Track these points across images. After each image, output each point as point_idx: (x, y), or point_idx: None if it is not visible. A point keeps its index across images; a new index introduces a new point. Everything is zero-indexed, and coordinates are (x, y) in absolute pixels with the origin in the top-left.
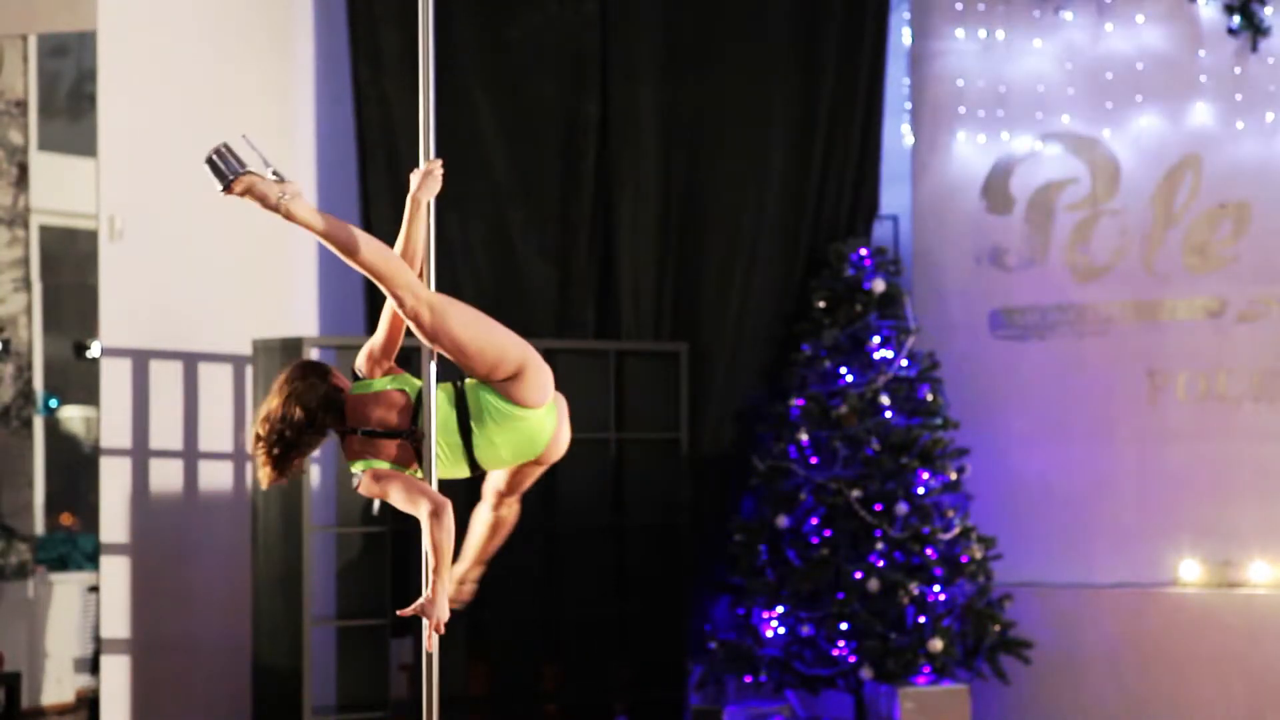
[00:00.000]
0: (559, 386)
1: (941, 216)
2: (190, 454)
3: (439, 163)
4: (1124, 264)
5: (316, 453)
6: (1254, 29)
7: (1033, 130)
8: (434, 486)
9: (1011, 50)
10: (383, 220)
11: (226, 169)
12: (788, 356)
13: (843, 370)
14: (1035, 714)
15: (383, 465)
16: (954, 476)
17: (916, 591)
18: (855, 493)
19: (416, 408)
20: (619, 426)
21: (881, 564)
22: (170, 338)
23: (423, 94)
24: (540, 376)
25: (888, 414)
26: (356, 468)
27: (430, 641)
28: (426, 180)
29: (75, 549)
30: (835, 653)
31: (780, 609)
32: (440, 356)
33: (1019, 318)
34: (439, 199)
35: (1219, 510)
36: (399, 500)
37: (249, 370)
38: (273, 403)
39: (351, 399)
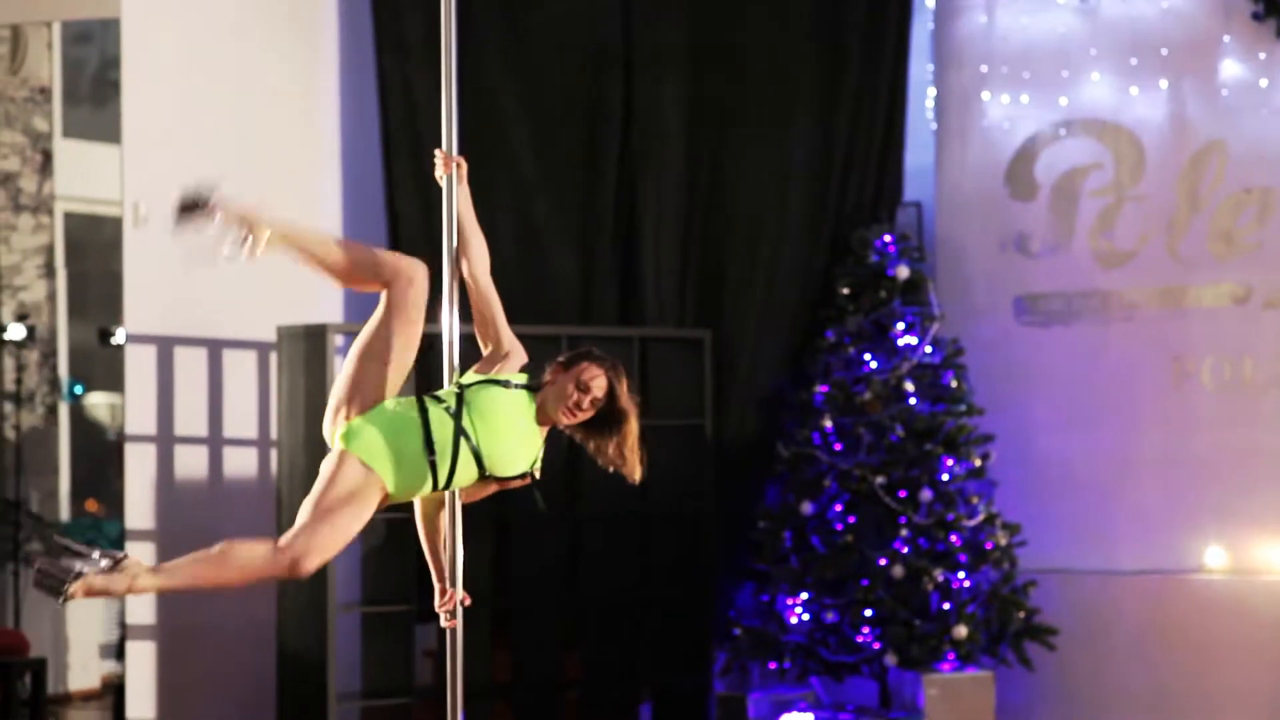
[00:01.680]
0: None
1: (965, 203)
2: (215, 440)
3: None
4: (1149, 250)
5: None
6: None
7: (1057, 116)
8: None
9: (1036, 33)
10: (408, 208)
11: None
12: (812, 343)
13: (867, 357)
14: (1060, 700)
15: None
16: (978, 463)
17: (941, 578)
18: (879, 479)
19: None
20: (642, 413)
21: (906, 550)
22: (195, 324)
23: (445, 86)
24: None
25: (912, 400)
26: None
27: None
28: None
29: (101, 535)
30: (860, 639)
31: (804, 595)
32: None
33: (1043, 304)
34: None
35: (1245, 496)
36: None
37: (273, 357)
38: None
39: None
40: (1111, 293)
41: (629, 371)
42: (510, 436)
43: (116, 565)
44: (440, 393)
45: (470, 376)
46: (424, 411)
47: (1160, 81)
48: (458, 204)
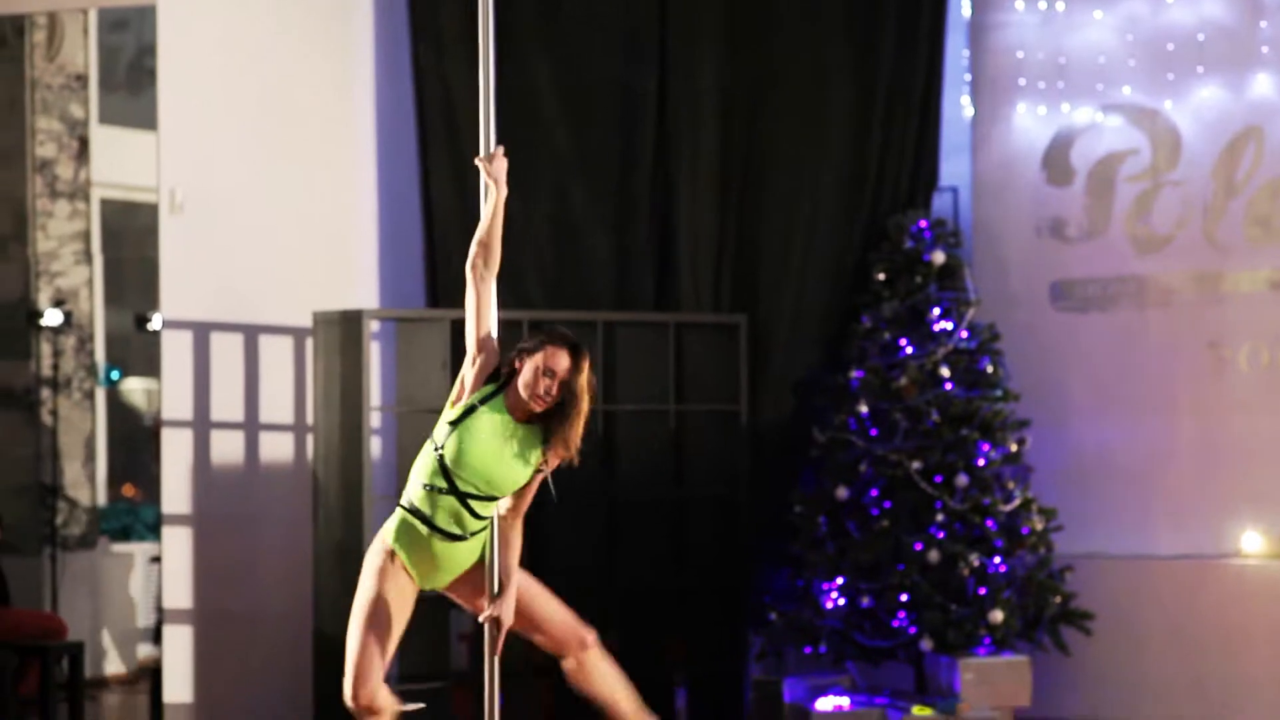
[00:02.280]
0: (621, 357)
1: (1002, 188)
2: (251, 425)
3: (499, 155)
4: (1185, 235)
5: (376, 423)
6: None
7: (1093, 101)
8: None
9: (1071, 21)
10: (443, 195)
11: None
12: (847, 328)
13: (902, 342)
14: (1096, 685)
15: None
16: (1014, 448)
17: (977, 563)
18: (915, 464)
19: None
20: (678, 398)
21: (942, 535)
22: (231, 310)
23: (483, 76)
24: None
25: (948, 386)
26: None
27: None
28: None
29: (137, 520)
30: (895, 624)
31: (840, 580)
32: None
33: (1080, 289)
34: None
35: None
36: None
37: (309, 342)
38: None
39: None
40: (1148, 278)
41: (659, 356)
42: (503, 460)
43: None
44: (426, 475)
45: (441, 428)
46: (429, 522)
47: (1196, 67)
48: (495, 204)
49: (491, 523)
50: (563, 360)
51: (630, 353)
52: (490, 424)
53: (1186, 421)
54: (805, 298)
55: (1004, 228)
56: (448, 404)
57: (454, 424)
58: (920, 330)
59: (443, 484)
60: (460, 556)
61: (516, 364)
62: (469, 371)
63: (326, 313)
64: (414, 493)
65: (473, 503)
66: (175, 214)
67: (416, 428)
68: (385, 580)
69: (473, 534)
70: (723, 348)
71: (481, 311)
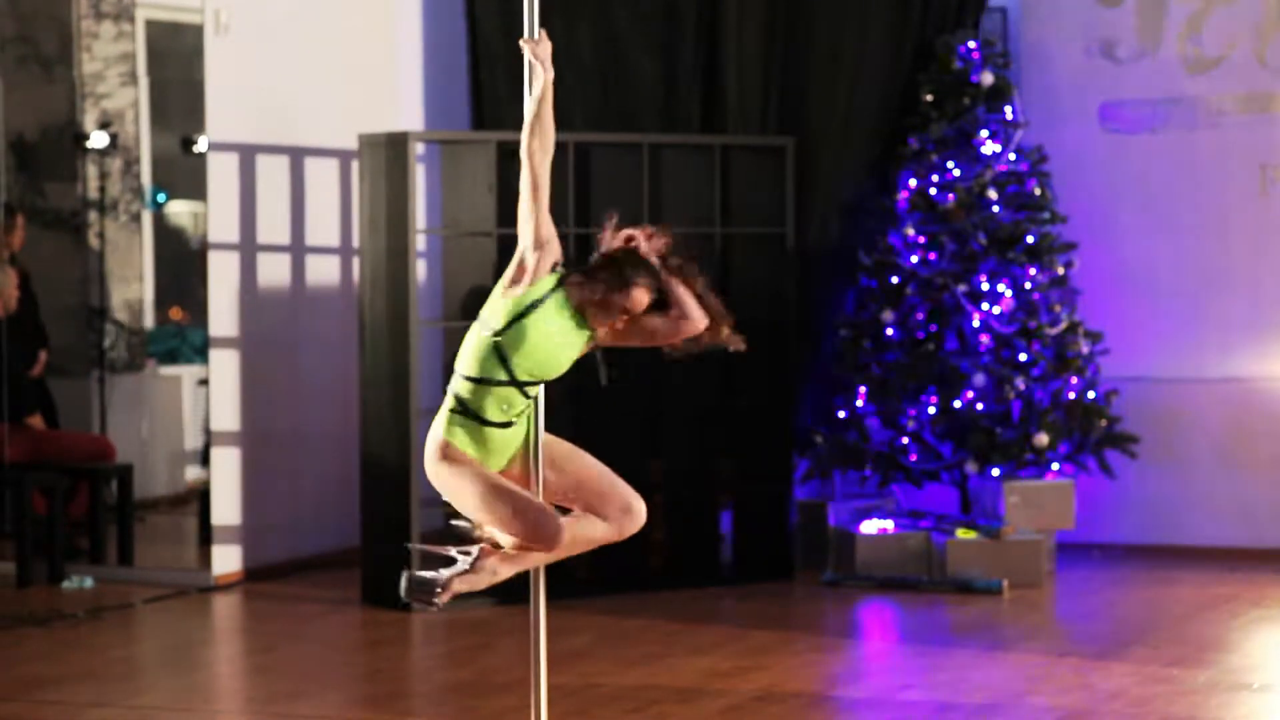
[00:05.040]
0: (666, 180)
1: (1051, 7)
2: (297, 248)
3: (544, 37)
4: (1236, 56)
5: (422, 246)
6: None
7: None
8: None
9: None
10: (488, 16)
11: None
12: (894, 150)
13: (950, 164)
14: (1140, 508)
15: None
16: (1061, 271)
17: (1022, 386)
18: (961, 287)
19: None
20: (724, 222)
21: (987, 358)
22: (276, 132)
23: None
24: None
25: (995, 208)
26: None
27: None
28: (539, 60)
29: (185, 343)
30: (940, 447)
31: (886, 404)
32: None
33: (1129, 110)
34: None
35: None
36: None
37: (355, 165)
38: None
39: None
40: (1198, 99)
41: (706, 179)
42: (565, 350)
43: (475, 563)
44: (478, 368)
45: (499, 311)
46: (479, 418)
47: None
48: (543, 87)
49: (535, 400)
50: (643, 300)
51: (676, 175)
52: (560, 322)
53: (1235, 243)
54: (852, 119)
55: (1053, 48)
56: (502, 284)
57: (519, 317)
58: (968, 152)
59: (501, 375)
60: (511, 439)
61: (597, 266)
62: (530, 259)
63: (372, 135)
64: (462, 388)
65: (526, 387)
66: (220, 35)
67: (462, 251)
68: (472, 464)
69: (519, 414)
70: (769, 170)
71: (540, 194)
